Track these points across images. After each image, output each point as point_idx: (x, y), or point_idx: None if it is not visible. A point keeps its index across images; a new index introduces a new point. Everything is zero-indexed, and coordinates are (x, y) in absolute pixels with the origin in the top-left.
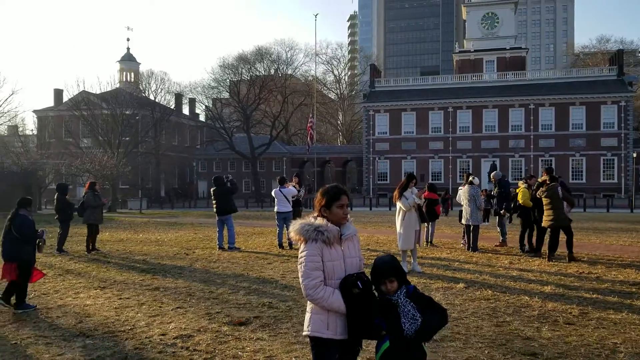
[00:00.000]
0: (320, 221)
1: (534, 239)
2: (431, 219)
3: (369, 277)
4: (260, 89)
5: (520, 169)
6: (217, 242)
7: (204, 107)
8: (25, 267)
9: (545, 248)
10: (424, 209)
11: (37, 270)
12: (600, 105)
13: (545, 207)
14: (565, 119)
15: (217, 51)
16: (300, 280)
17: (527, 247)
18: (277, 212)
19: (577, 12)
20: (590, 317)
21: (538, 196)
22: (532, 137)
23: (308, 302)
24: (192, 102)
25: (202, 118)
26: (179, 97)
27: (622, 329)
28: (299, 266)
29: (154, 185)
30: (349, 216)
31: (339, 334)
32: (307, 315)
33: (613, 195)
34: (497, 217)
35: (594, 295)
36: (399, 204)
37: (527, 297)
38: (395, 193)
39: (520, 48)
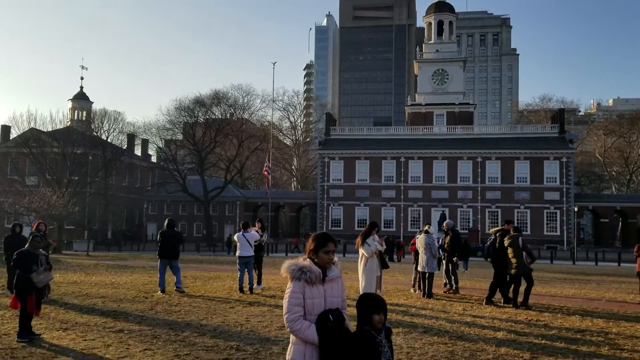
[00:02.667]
0: (306, 262)
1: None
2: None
3: (343, 315)
4: (216, 133)
5: (468, 219)
6: (160, 286)
7: (156, 148)
8: (18, 297)
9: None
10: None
11: (31, 302)
12: (543, 160)
13: (509, 256)
14: (511, 173)
15: (173, 93)
16: (283, 313)
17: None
18: (239, 257)
19: (521, 72)
20: None
21: (505, 244)
22: (479, 188)
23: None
24: (145, 142)
25: (154, 159)
26: (131, 137)
27: None
28: (284, 300)
29: (101, 227)
30: (336, 260)
31: None
32: (289, 345)
33: (556, 247)
34: (449, 264)
35: (543, 341)
36: (361, 251)
37: (482, 342)
38: (358, 240)
39: (468, 104)
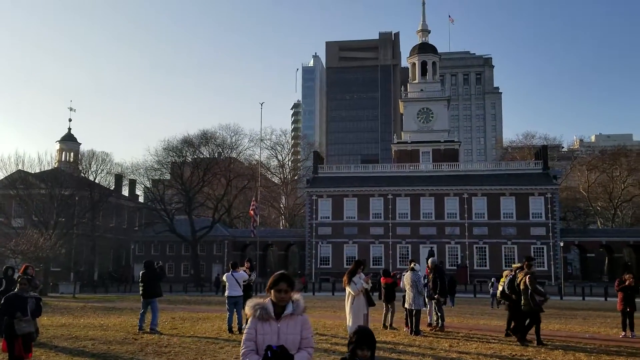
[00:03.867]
0: (262, 300)
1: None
2: (390, 301)
3: (286, 350)
4: (204, 172)
5: (457, 255)
6: (138, 323)
7: (144, 188)
8: (6, 340)
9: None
10: (383, 294)
11: (19, 346)
12: (529, 196)
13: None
14: (497, 209)
15: (162, 133)
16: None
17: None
18: (228, 297)
19: (505, 109)
20: None
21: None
22: (466, 224)
23: None
24: (132, 183)
25: (142, 199)
26: (119, 177)
27: None
28: None
29: (87, 268)
30: (297, 298)
31: None
32: None
33: (544, 282)
34: (435, 302)
35: None
36: (348, 289)
37: None
38: (345, 278)
39: (453, 141)
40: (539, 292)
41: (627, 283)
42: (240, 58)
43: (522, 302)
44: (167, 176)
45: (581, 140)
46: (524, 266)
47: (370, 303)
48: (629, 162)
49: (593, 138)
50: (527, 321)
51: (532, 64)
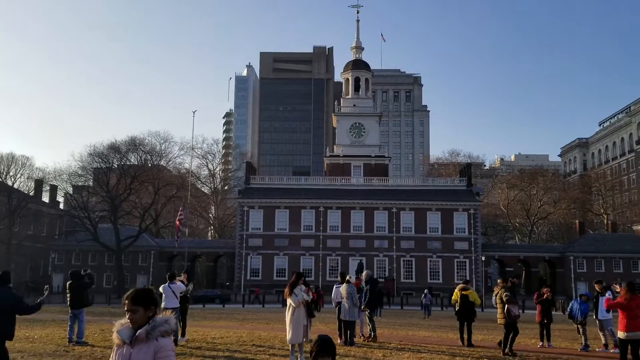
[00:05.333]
0: (126, 321)
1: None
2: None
3: None
4: (131, 180)
5: (384, 268)
6: (68, 335)
7: (65, 194)
8: None
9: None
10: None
11: None
12: (453, 212)
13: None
14: (424, 223)
15: (88, 138)
16: None
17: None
18: (164, 308)
19: (432, 127)
20: None
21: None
22: (394, 238)
23: None
24: (54, 189)
25: (64, 206)
26: (40, 183)
27: None
28: None
29: None
30: (162, 317)
31: None
32: None
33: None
34: (368, 313)
35: None
36: (289, 300)
37: None
38: (286, 290)
39: (383, 156)
40: (514, 306)
41: (545, 297)
42: (173, 64)
43: (498, 315)
44: (92, 183)
45: (502, 159)
46: (500, 282)
47: (310, 314)
48: (545, 182)
49: (513, 157)
50: (512, 334)
51: (458, 85)
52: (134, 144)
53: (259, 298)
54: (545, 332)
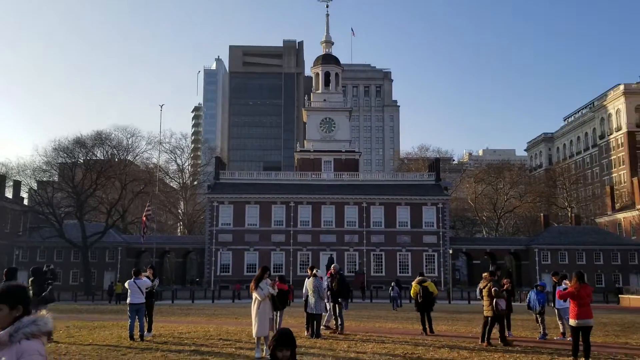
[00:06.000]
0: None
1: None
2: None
3: None
4: (97, 175)
5: (355, 262)
6: None
7: (29, 189)
8: None
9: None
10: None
11: None
12: (422, 206)
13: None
14: (393, 218)
15: (52, 132)
16: None
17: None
18: (130, 304)
19: (402, 122)
20: None
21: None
22: (364, 232)
23: None
24: (17, 184)
25: (27, 202)
26: (2, 178)
27: None
28: None
29: None
30: (33, 316)
31: None
32: None
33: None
34: (335, 305)
35: None
36: (255, 294)
37: None
38: (252, 284)
39: (354, 151)
40: (502, 300)
41: (504, 287)
42: (140, 57)
43: (485, 307)
44: (57, 178)
45: (470, 154)
46: (487, 276)
47: (275, 308)
48: (512, 176)
49: (481, 152)
50: (492, 325)
51: (428, 80)
52: (100, 139)
53: (235, 293)
54: (505, 322)
